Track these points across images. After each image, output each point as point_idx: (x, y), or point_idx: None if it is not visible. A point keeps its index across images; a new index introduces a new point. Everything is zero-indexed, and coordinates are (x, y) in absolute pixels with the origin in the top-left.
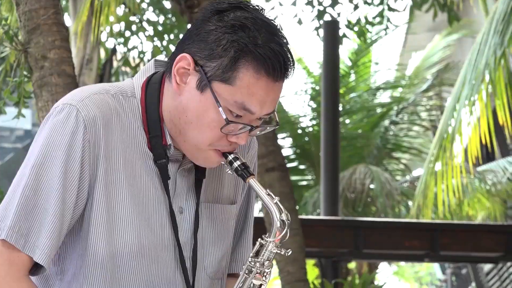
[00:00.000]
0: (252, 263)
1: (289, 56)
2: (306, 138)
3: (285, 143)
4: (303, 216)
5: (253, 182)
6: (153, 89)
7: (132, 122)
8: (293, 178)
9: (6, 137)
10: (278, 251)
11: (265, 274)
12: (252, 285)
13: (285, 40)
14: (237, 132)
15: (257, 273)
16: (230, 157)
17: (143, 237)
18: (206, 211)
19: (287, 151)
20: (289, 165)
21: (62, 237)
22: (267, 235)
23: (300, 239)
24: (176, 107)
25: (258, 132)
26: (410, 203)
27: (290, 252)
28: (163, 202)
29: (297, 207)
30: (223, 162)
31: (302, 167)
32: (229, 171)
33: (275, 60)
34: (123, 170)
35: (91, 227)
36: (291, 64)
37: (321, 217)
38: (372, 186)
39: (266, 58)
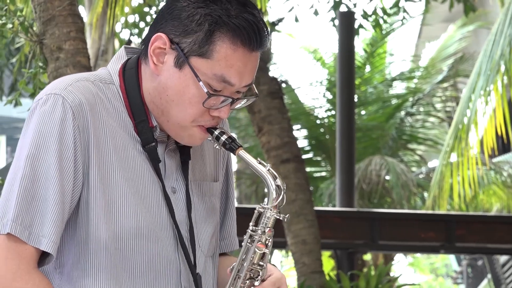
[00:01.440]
0: (253, 232)
1: (263, 25)
2: (322, 130)
3: (301, 134)
4: (319, 208)
5: (243, 153)
6: (130, 74)
7: (116, 107)
8: (309, 169)
9: (21, 129)
10: (277, 217)
11: (267, 242)
12: (255, 252)
13: (256, 11)
14: (218, 106)
15: (259, 241)
16: (216, 132)
17: (141, 218)
18: (196, 190)
19: (302, 143)
20: (304, 156)
21: (64, 224)
22: (264, 202)
23: (315, 230)
24: (155, 88)
25: (239, 105)
26: (425, 194)
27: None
28: (157, 183)
29: (313, 199)
30: (209, 139)
31: (317, 158)
32: (217, 146)
33: (250, 29)
34: (114, 154)
35: (91, 212)
36: (266, 34)
37: (337, 208)
38: (387, 177)
39: (241, 28)
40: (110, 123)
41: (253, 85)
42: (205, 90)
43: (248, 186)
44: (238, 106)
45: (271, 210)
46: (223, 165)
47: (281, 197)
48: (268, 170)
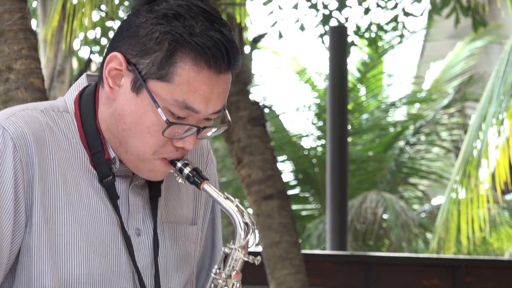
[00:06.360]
0: (218, 276)
1: (232, 44)
2: (310, 161)
3: (286, 167)
4: (307, 251)
5: (209, 187)
6: (87, 101)
7: (69, 138)
8: (295, 207)
9: None
10: (245, 259)
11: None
12: None
13: (226, 27)
14: (182, 136)
15: (225, 286)
16: (179, 164)
17: (93, 265)
18: (167, 233)
19: (288, 176)
20: (290, 192)
21: (1, 273)
22: (231, 243)
23: (303, 276)
24: (112, 114)
25: (207, 134)
26: (429, 236)
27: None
28: (116, 224)
29: (300, 240)
30: (171, 171)
31: (305, 194)
32: (180, 180)
33: (216, 49)
34: (64, 191)
35: (34, 258)
36: (235, 53)
37: (327, 251)
38: (385, 216)
39: (205, 48)
40: (61, 156)
41: (226, 111)
42: (164, 118)
43: (225, 226)
44: (207, 135)
45: (238, 251)
46: (206, 206)
47: (249, 235)
48: (236, 206)
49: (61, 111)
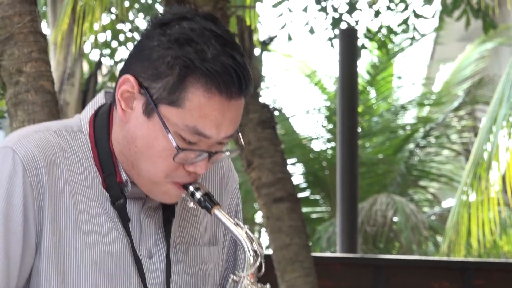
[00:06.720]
0: None
1: (243, 68)
2: (320, 164)
3: (296, 169)
4: (317, 254)
5: (219, 212)
6: (101, 121)
7: (81, 159)
8: (305, 209)
9: None
10: (254, 287)
11: None
12: None
13: (239, 51)
14: (194, 160)
15: None
16: (191, 188)
17: None
18: (181, 255)
19: (298, 179)
20: (300, 195)
21: None
22: (239, 270)
23: (313, 279)
24: (124, 137)
25: (220, 158)
26: (439, 238)
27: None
28: (127, 247)
29: (310, 243)
30: (183, 195)
31: (315, 197)
32: (192, 204)
33: (227, 75)
34: (74, 215)
35: (42, 283)
36: (247, 78)
37: (337, 254)
38: (395, 218)
39: (216, 74)
40: (73, 178)
41: (239, 134)
42: (175, 144)
43: None
44: (219, 159)
45: (247, 278)
46: None
47: (258, 263)
48: (246, 232)
49: (75, 131)
